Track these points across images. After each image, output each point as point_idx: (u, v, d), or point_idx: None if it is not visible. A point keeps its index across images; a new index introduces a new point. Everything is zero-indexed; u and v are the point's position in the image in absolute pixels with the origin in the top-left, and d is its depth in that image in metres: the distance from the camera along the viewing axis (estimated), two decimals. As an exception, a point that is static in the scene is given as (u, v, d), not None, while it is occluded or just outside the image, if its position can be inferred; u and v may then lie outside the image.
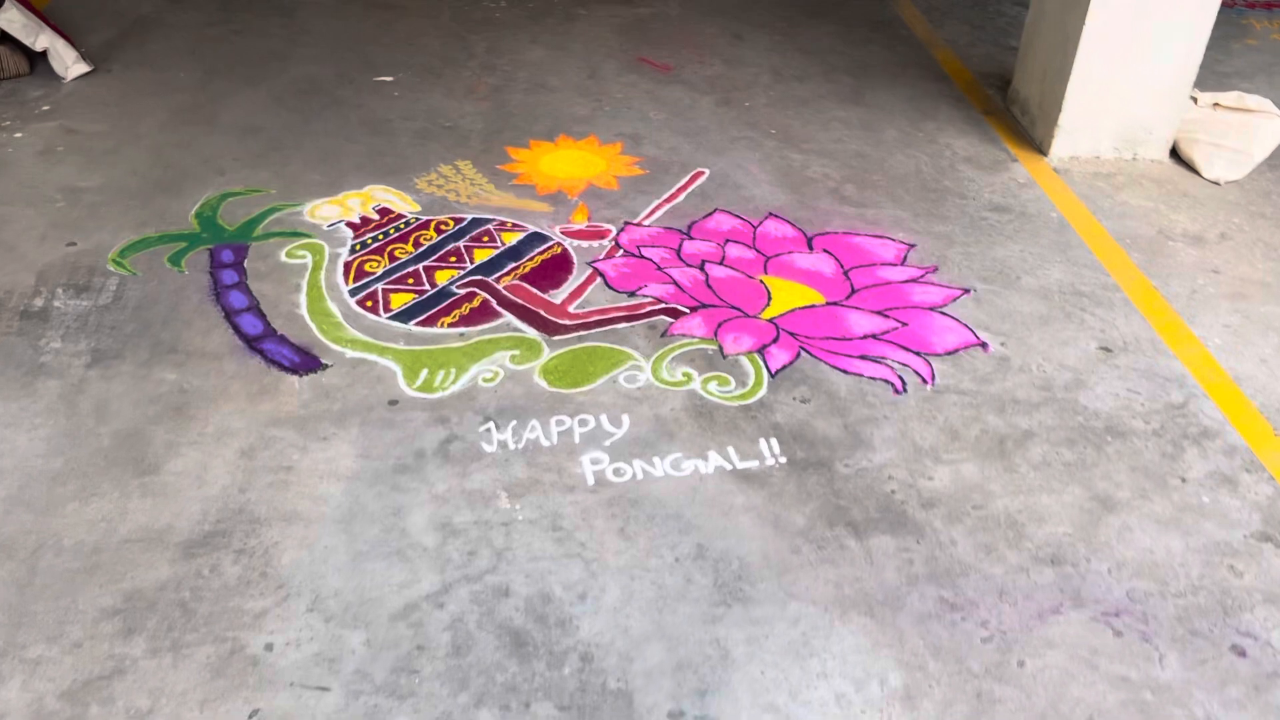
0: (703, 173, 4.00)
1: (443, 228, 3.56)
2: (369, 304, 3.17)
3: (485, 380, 2.89)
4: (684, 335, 3.10)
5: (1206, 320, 3.28)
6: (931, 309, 3.27)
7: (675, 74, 4.85)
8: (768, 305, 3.25)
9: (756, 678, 2.13)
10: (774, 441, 2.73)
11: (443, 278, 3.30)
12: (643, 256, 3.46)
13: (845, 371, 2.98)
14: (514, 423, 2.75)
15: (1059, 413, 2.87)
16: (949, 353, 3.09)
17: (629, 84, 4.73)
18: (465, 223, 3.60)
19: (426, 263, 3.36)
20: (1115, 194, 3.98)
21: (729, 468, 2.64)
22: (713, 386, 2.91)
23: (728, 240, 3.57)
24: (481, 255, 3.42)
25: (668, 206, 3.77)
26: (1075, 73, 4.03)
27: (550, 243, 3.51)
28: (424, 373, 2.90)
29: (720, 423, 2.78)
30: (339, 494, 2.50)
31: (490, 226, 3.58)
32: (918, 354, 3.07)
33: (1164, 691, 2.14)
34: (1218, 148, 4.12)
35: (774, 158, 4.14)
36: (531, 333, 3.08)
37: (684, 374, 2.95)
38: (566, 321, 3.13)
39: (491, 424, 2.74)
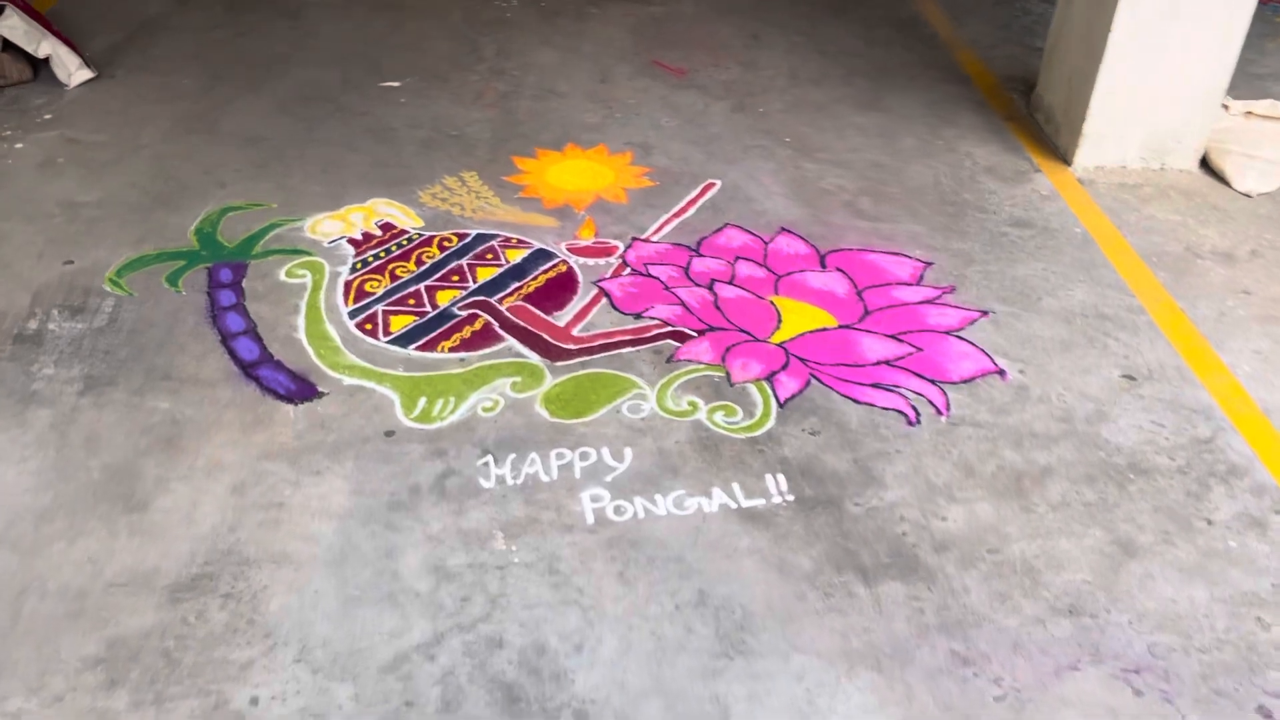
0: (714, 184, 3.90)
1: (446, 244, 3.47)
2: (368, 327, 3.09)
3: (485, 410, 2.81)
4: (691, 361, 3.01)
5: (1235, 345, 3.15)
6: (948, 333, 3.16)
7: (689, 78, 4.73)
8: (778, 328, 3.14)
9: (757, 739, 2.05)
10: (781, 478, 2.63)
11: (444, 298, 3.21)
12: (650, 275, 3.36)
13: (857, 401, 2.88)
14: (513, 456, 2.67)
15: (1079, 447, 2.76)
16: (965, 381, 2.98)
17: (641, 88, 4.62)
18: (469, 239, 3.51)
19: (428, 282, 3.28)
20: (1141, 207, 3.85)
21: (734, 506, 2.55)
22: (719, 417, 2.81)
23: (738, 258, 3.47)
24: (485, 274, 3.33)
25: (677, 221, 3.66)
26: (1101, 78, 3.89)
27: (555, 260, 3.42)
28: (422, 401, 2.82)
29: (726, 457, 2.69)
30: (331, 533, 2.43)
31: (494, 243, 3.49)
32: (933, 382, 2.96)
33: (1186, 758, 2.05)
34: (1250, 158, 3.97)
35: (788, 168, 4.02)
36: (534, 358, 2.99)
37: (690, 403, 2.86)
38: (570, 346, 3.05)
39: (490, 457, 2.66)
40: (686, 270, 3.39)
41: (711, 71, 4.80)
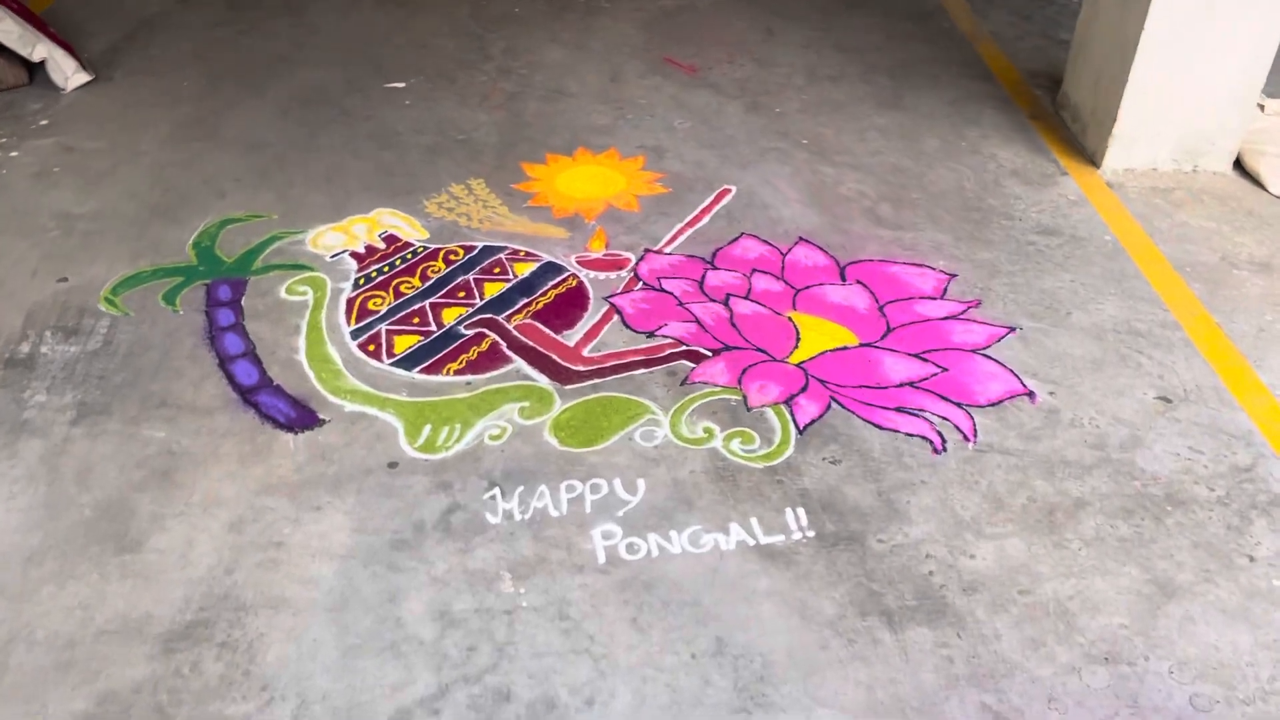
0: (729, 190, 3.76)
1: (452, 258, 3.36)
2: (371, 348, 2.98)
3: (492, 438, 2.70)
4: (706, 383, 2.89)
5: (1275, 364, 3.01)
6: (974, 351, 3.03)
7: (702, 75, 4.59)
8: (796, 347, 3.02)
9: (778, 803, 1.94)
10: (801, 511, 2.52)
11: (450, 316, 3.10)
12: (663, 290, 3.24)
13: (880, 426, 2.76)
14: (521, 489, 2.56)
15: (1113, 477, 2.64)
16: (993, 404, 2.85)
17: (653, 87, 4.48)
18: (476, 252, 3.39)
19: (433, 299, 3.17)
20: (1174, 213, 3.70)
21: (752, 543, 2.44)
22: (736, 445, 2.70)
23: (754, 270, 3.34)
24: (492, 289, 3.22)
25: (691, 231, 3.54)
26: (1133, 77, 3.73)
27: (565, 274, 3.30)
28: (427, 429, 2.71)
29: (744, 488, 2.57)
30: (331, 575, 2.33)
31: (502, 256, 3.38)
32: (959, 405, 2.84)
33: (1233, 824, 1.93)
34: (1287, 160, 3.82)
35: (805, 172, 3.89)
36: (543, 381, 2.88)
37: (705, 429, 2.74)
38: (580, 368, 2.93)
39: (497, 490, 2.55)
40: (701, 284, 3.27)
41: (725, 68, 4.66)
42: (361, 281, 3.24)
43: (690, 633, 2.23)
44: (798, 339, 3.05)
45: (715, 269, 3.34)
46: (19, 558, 2.34)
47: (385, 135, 4.05)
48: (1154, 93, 3.76)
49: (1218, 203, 3.76)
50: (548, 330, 3.06)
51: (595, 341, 3.03)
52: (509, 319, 3.10)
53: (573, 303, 3.18)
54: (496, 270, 3.31)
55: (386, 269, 3.29)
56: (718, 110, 4.31)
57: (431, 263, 3.33)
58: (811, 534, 2.46)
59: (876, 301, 3.22)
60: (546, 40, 4.86)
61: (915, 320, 3.15)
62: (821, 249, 3.45)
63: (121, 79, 4.38)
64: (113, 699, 2.07)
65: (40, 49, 4.13)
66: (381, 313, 3.11)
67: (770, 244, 3.47)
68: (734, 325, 3.10)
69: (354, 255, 3.36)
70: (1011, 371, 2.96)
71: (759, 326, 3.10)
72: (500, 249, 3.41)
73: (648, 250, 3.43)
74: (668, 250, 3.44)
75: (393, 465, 2.61)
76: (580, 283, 3.27)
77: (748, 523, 2.49)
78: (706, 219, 3.60)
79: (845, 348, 3.03)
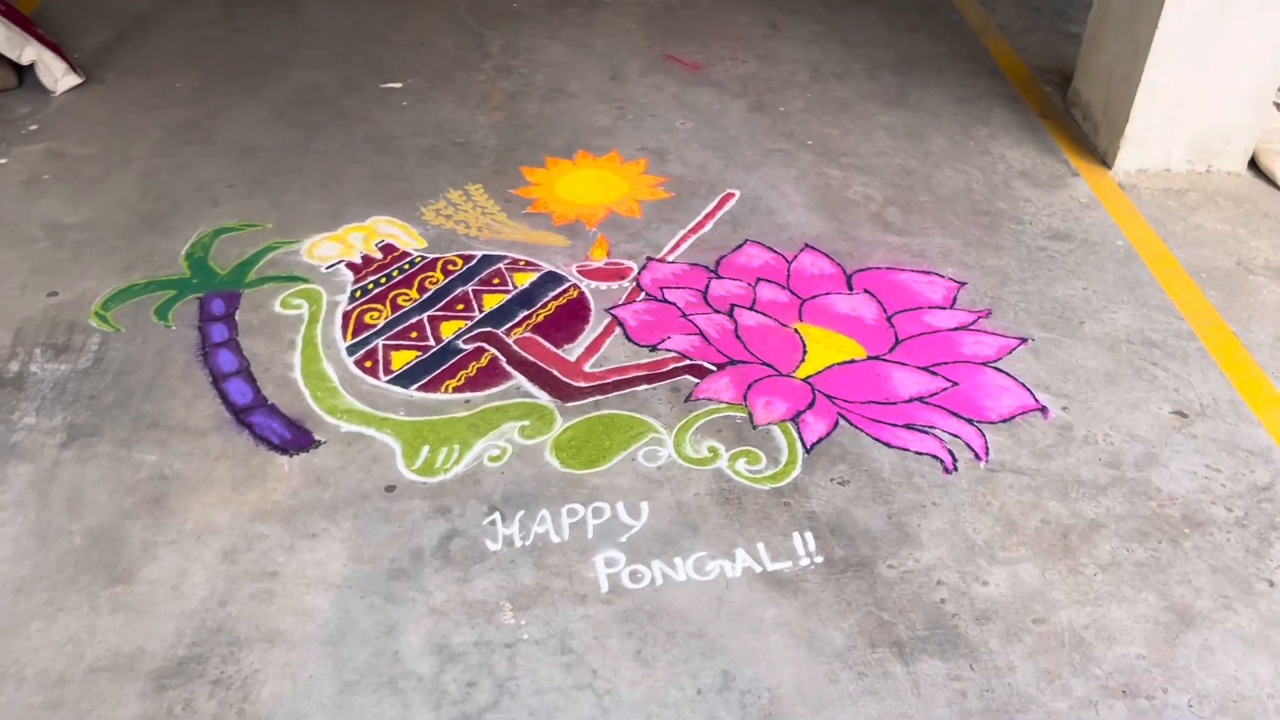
0: (733, 195, 3.68)
1: (450, 268, 3.28)
2: (368, 364, 2.91)
3: (491, 459, 2.63)
4: (710, 400, 2.82)
5: (1294, 376, 2.94)
6: (985, 364, 2.96)
7: (705, 72, 4.50)
8: (803, 361, 2.95)
9: None
10: (809, 536, 2.45)
11: (449, 330, 3.03)
12: (666, 300, 3.17)
13: (889, 445, 2.70)
14: (521, 513, 2.50)
15: (1129, 497, 2.57)
16: (1004, 420, 2.78)
17: (654, 85, 4.39)
18: (474, 261, 3.32)
19: (431, 311, 3.10)
20: (1188, 215, 3.61)
21: (758, 569, 2.38)
22: (741, 465, 2.63)
23: (759, 279, 3.27)
24: (491, 301, 3.15)
25: (694, 238, 3.46)
26: (1146, 75, 3.64)
27: (566, 285, 3.23)
28: (425, 450, 2.65)
29: (750, 511, 2.51)
30: (327, 607, 2.27)
31: (501, 265, 3.30)
32: (970, 421, 2.77)
33: None
34: (1304, 161, 3.73)
35: (810, 175, 3.80)
36: (543, 398, 2.82)
37: (710, 449, 2.67)
38: (582, 384, 2.87)
39: (497, 515, 2.49)
40: (705, 294, 3.20)
41: (728, 65, 4.56)
42: (358, 294, 3.17)
43: (696, 666, 2.17)
44: (804, 352, 2.98)
45: (719, 278, 3.27)
46: (8, 588, 2.29)
47: (382, 138, 3.97)
48: (1168, 92, 3.68)
49: (1232, 204, 3.68)
50: (548, 344, 2.99)
51: (597, 356, 2.96)
52: (509, 332, 3.03)
53: (574, 315, 3.11)
54: (496, 281, 3.23)
55: (384, 280, 3.22)
56: (721, 110, 4.23)
57: (429, 273, 3.26)
58: (820, 560, 2.40)
59: (884, 311, 3.14)
60: (546, 37, 4.76)
61: (924, 331, 3.07)
62: (828, 256, 3.38)
63: (113, 81, 4.30)
64: (103, 741, 2.02)
65: (29, 51, 4.04)
66: (379, 326, 3.04)
67: (775, 251, 3.40)
68: (739, 338, 3.03)
69: (350, 266, 3.29)
70: (1023, 385, 2.89)
71: (764, 339, 3.03)
72: (499, 258, 3.34)
73: (650, 259, 3.35)
74: (670, 258, 3.36)
75: (390, 489, 2.55)
76: (581, 294, 3.20)
77: (754, 548, 2.43)
78: (710, 225, 3.53)
79: (853, 361, 2.96)
